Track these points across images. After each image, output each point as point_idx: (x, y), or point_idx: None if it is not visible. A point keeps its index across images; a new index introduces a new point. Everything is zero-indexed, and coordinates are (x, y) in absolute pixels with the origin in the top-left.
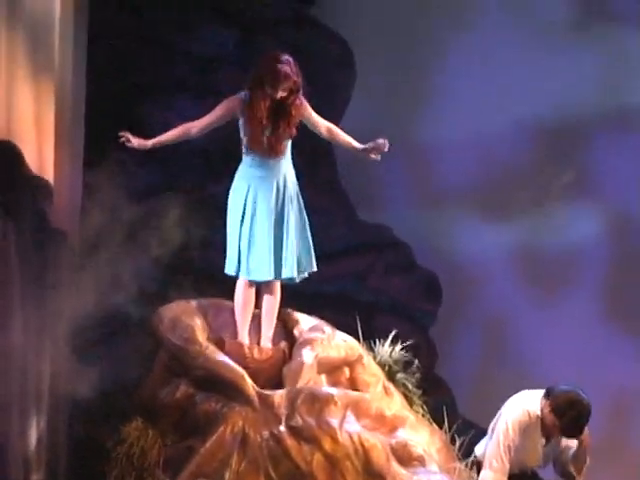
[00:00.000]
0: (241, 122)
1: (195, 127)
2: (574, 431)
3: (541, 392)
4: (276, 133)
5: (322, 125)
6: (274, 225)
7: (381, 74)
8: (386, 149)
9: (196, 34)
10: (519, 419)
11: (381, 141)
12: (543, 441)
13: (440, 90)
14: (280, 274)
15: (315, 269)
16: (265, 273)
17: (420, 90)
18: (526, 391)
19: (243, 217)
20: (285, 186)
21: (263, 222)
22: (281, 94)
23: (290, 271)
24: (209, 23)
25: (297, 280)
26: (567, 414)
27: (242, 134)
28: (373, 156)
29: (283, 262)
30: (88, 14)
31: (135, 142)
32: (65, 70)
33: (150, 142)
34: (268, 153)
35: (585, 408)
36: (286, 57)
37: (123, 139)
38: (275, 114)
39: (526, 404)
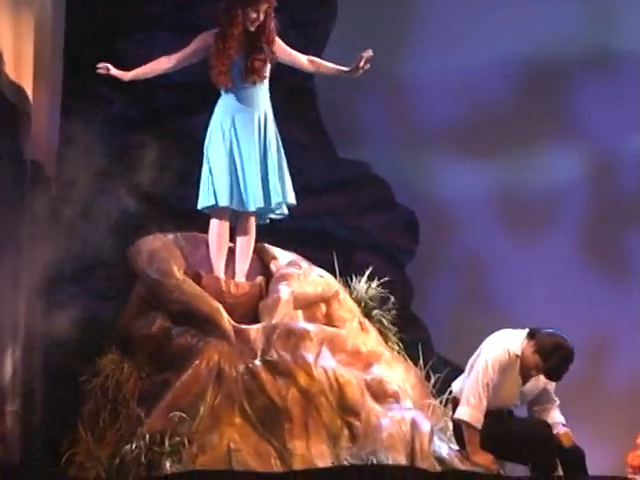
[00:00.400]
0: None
1: (171, 61)
2: (557, 374)
3: (522, 332)
4: (255, 57)
5: (302, 58)
6: (259, 155)
7: (363, 8)
8: (370, 54)
9: None
10: (499, 358)
11: (364, 53)
12: (521, 381)
13: (423, 27)
14: (270, 202)
15: (294, 202)
16: (257, 202)
17: (402, 27)
18: (506, 330)
19: (231, 150)
20: (266, 119)
21: (250, 153)
22: (261, 16)
23: (278, 197)
24: None
25: (277, 215)
26: (552, 357)
27: (214, 69)
28: (362, 66)
29: (271, 190)
30: None
31: (115, 72)
32: (44, 4)
33: (130, 74)
34: (245, 80)
35: (570, 353)
36: None
37: (102, 70)
38: (249, 40)
39: (507, 343)
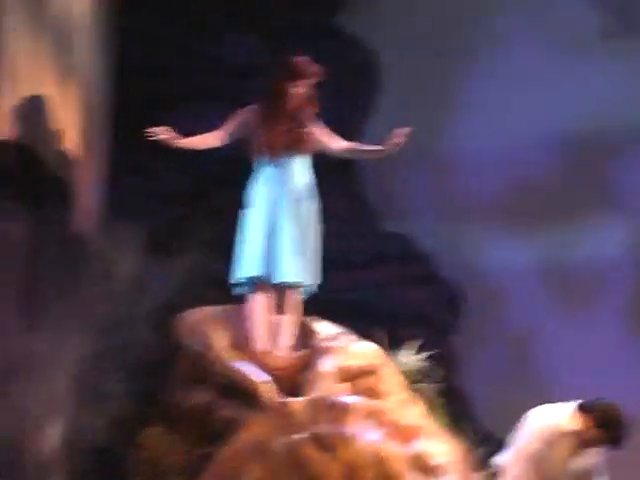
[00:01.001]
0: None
1: (216, 138)
2: (622, 442)
3: (565, 406)
4: (299, 130)
5: (340, 144)
6: (294, 227)
7: (407, 84)
8: (407, 130)
9: (226, 43)
10: (541, 431)
11: (398, 131)
12: (569, 457)
13: (467, 101)
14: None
15: (318, 283)
16: (286, 275)
17: (447, 101)
18: (548, 405)
19: (267, 220)
20: (301, 194)
21: (283, 224)
22: (307, 90)
23: (303, 276)
24: (239, 31)
25: (308, 294)
26: (615, 426)
27: (255, 143)
28: (398, 143)
29: (305, 266)
30: (118, 19)
31: (166, 135)
32: (94, 76)
33: (180, 141)
34: (291, 150)
35: (624, 416)
36: (305, 57)
37: (155, 134)
38: (295, 113)
39: (548, 418)
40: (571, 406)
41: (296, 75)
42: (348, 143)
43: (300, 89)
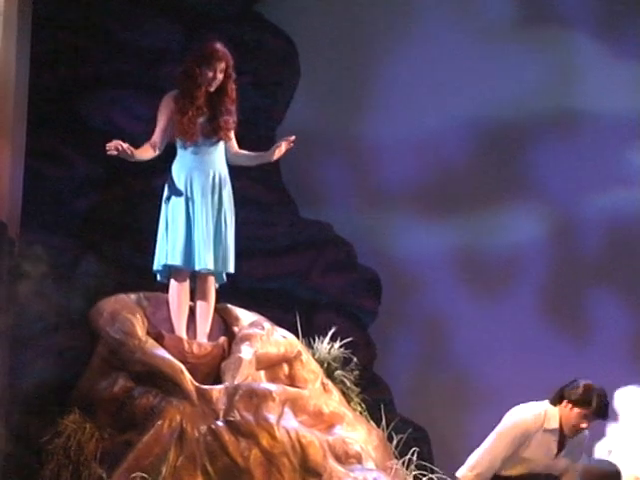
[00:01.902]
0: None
1: (157, 142)
2: (605, 411)
3: (539, 404)
4: (224, 116)
5: (234, 148)
6: (211, 215)
7: (324, 72)
8: (291, 141)
9: (141, 28)
10: (508, 431)
11: (283, 139)
12: (554, 451)
13: (382, 89)
14: (218, 266)
15: (232, 271)
16: (206, 263)
17: (362, 89)
18: (522, 405)
19: (187, 208)
20: (221, 180)
21: (203, 213)
22: (219, 75)
23: (227, 265)
24: (154, 17)
25: (221, 282)
26: (592, 399)
27: (175, 128)
28: (281, 150)
29: (220, 254)
30: (32, 5)
31: (124, 150)
32: (8, 60)
33: (134, 155)
34: (211, 138)
35: (600, 388)
36: (215, 42)
37: (112, 150)
38: (214, 99)
39: (517, 416)
40: (543, 404)
41: (204, 59)
42: (238, 150)
43: (210, 74)
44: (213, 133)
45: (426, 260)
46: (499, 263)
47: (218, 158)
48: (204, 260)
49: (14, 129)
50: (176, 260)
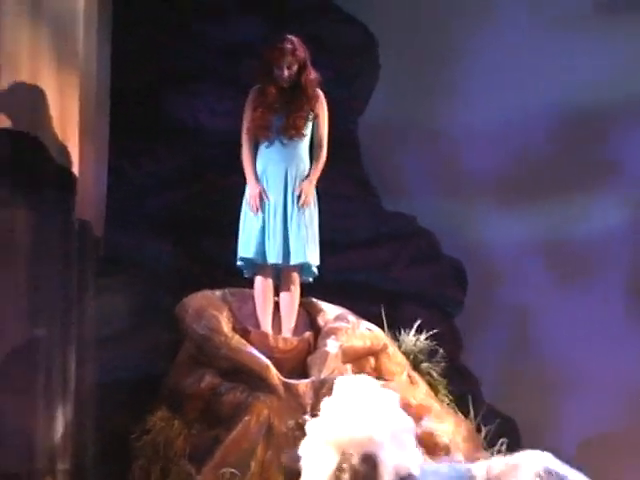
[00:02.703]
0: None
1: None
2: None
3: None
4: (296, 114)
5: (321, 135)
6: (283, 210)
7: (405, 62)
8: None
9: (222, 22)
10: None
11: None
12: None
13: (465, 77)
14: (289, 260)
15: (317, 265)
16: (276, 257)
17: (444, 77)
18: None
19: (261, 202)
20: (297, 176)
21: (276, 208)
22: (288, 72)
23: (300, 257)
24: (236, 11)
25: (309, 277)
26: None
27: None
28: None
29: (291, 248)
30: (112, 3)
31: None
32: (89, 61)
33: (251, 181)
34: (286, 135)
35: None
36: (289, 37)
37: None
38: (290, 96)
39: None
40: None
41: (275, 56)
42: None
43: (280, 71)
44: (284, 131)
45: (511, 248)
46: (585, 250)
47: (294, 154)
48: (274, 254)
49: (97, 128)
50: (249, 253)
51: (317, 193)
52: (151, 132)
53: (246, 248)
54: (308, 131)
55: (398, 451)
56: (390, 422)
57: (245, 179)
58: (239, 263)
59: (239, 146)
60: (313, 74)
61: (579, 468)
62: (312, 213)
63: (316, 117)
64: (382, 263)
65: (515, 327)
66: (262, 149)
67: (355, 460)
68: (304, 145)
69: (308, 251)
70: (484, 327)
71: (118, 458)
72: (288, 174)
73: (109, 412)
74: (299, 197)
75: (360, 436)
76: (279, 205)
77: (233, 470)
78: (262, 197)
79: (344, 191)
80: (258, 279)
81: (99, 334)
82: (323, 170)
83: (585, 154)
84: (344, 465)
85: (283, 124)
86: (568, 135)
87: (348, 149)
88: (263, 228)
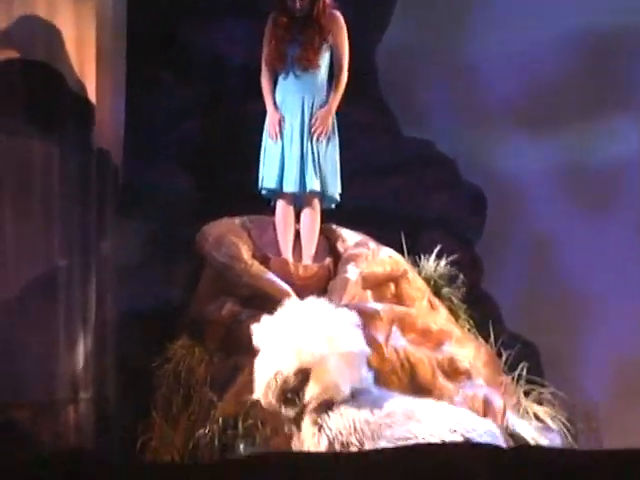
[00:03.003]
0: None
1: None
2: None
3: None
4: (307, 46)
5: (340, 63)
6: (300, 139)
7: None
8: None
9: None
10: None
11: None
12: None
13: (484, 3)
14: (304, 188)
15: (339, 192)
16: (293, 185)
17: (461, 4)
18: None
19: (288, 130)
20: (314, 103)
21: (292, 136)
22: (300, 2)
23: (317, 185)
24: None
25: (331, 204)
26: None
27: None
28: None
29: (307, 176)
30: None
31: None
32: None
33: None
34: (300, 66)
35: None
36: None
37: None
38: (302, 27)
39: None
40: None
41: None
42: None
43: (292, 1)
44: (298, 62)
45: (530, 175)
46: (605, 176)
47: (311, 83)
48: (291, 182)
49: (114, 58)
50: (271, 183)
51: (337, 121)
52: (168, 61)
53: (266, 177)
54: (324, 61)
55: (341, 372)
56: (340, 342)
57: (264, 107)
58: (263, 192)
59: (257, 74)
60: (329, 1)
61: (599, 392)
62: (331, 141)
63: (334, 45)
64: (402, 190)
65: (535, 252)
66: (280, 80)
67: (290, 371)
68: (322, 74)
69: (326, 179)
70: (504, 253)
71: (140, 387)
72: (305, 104)
73: (130, 342)
74: (316, 126)
75: (302, 348)
76: (296, 134)
77: (254, 398)
78: (281, 124)
79: (363, 118)
80: (279, 206)
81: (119, 264)
82: (342, 98)
83: (604, 80)
84: (280, 373)
85: (297, 55)
86: (587, 60)
87: (367, 76)
88: (282, 157)
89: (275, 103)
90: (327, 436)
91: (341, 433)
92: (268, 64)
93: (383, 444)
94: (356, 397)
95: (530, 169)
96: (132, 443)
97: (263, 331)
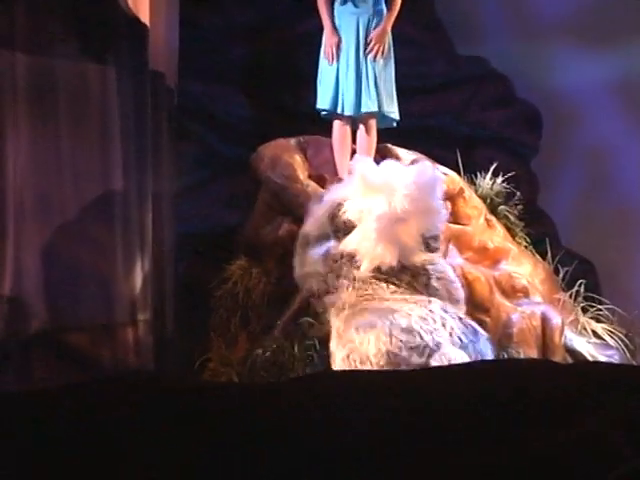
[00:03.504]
0: None
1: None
2: None
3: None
4: None
5: None
6: (356, 60)
7: None
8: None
9: None
10: None
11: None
12: None
13: None
14: (360, 108)
15: (397, 115)
16: (350, 108)
17: None
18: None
19: (344, 50)
20: (369, 23)
21: (348, 57)
22: None
23: (371, 105)
24: None
25: (388, 123)
26: None
27: None
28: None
29: (363, 96)
30: None
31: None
32: None
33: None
34: None
35: None
36: None
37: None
38: None
39: None
40: None
41: None
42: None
43: None
44: None
45: (586, 91)
46: None
47: (367, 4)
48: (348, 105)
49: None
50: (325, 104)
51: (392, 40)
52: None
53: (323, 99)
54: None
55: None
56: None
57: (319, 28)
58: (322, 113)
59: None
60: None
61: None
62: (387, 62)
63: None
64: (456, 108)
65: (592, 170)
66: (336, 3)
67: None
68: None
69: (382, 99)
70: (560, 170)
71: (198, 308)
72: (360, 24)
73: (187, 263)
74: (371, 46)
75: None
76: (352, 55)
77: (311, 320)
78: (339, 46)
79: (417, 37)
80: (336, 126)
81: (175, 186)
82: (397, 16)
83: None
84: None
85: None
86: None
87: None
88: (337, 78)
89: (333, 24)
90: None
91: None
92: None
93: None
94: None
95: (586, 84)
96: (191, 364)
97: None
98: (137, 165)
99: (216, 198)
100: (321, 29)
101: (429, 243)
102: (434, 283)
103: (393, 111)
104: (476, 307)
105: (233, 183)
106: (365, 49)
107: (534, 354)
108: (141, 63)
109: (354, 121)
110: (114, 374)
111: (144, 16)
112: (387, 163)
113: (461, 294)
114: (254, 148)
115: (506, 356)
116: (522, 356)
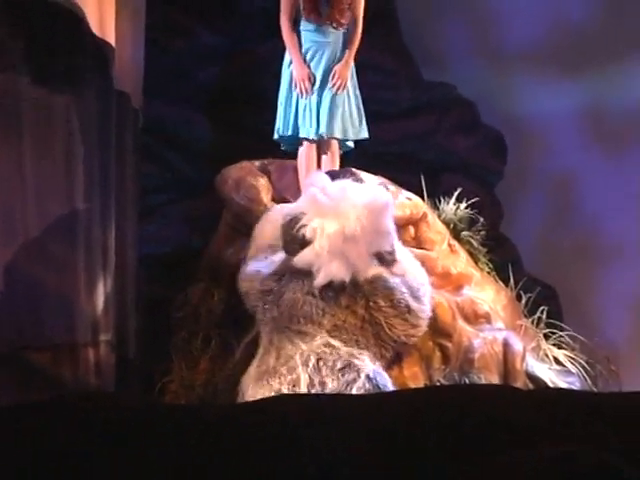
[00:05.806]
0: None
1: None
2: None
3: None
4: (336, 4)
5: (357, 15)
6: (319, 88)
7: None
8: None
9: None
10: None
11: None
12: None
13: None
14: (325, 133)
15: (365, 136)
16: (312, 131)
17: None
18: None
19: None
20: (336, 56)
21: (323, 79)
22: None
23: (335, 131)
24: None
25: (351, 145)
26: None
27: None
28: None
29: (326, 122)
30: None
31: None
32: None
33: (294, 55)
34: (328, 22)
35: None
36: None
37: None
38: None
39: None
40: None
41: None
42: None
43: None
44: (327, 19)
45: (551, 118)
46: (624, 119)
47: (332, 37)
48: (308, 129)
49: (134, 1)
50: (287, 130)
51: (355, 66)
52: (188, 5)
53: (284, 125)
54: (346, 22)
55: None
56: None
57: (282, 49)
58: (276, 137)
59: (274, 17)
60: None
61: (618, 335)
62: (350, 88)
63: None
64: (422, 133)
65: (555, 196)
66: (304, 25)
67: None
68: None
69: (347, 125)
70: (524, 196)
71: (159, 329)
72: (332, 52)
73: (150, 284)
74: (334, 81)
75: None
76: (325, 78)
77: None
78: (311, 80)
79: (383, 62)
80: (301, 150)
81: (139, 206)
82: (361, 41)
83: (627, 20)
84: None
85: (327, 10)
86: (607, 7)
87: (386, 19)
88: (297, 104)
89: (303, 56)
90: None
91: None
92: (290, 14)
93: None
94: None
95: (550, 111)
96: (152, 386)
97: None
98: (101, 185)
99: (179, 219)
100: (282, 50)
101: (383, 256)
102: (381, 302)
103: (358, 135)
104: (438, 332)
105: (197, 205)
106: (327, 80)
107: (495, 380)
108: (106, 83)
109: (319, 146)
110: (74, 394)
111: (110, 37)
112: (342, 182)
113: (419, 306)
114: (218, 170)
115: (467, 381)
116: (483, 382)
